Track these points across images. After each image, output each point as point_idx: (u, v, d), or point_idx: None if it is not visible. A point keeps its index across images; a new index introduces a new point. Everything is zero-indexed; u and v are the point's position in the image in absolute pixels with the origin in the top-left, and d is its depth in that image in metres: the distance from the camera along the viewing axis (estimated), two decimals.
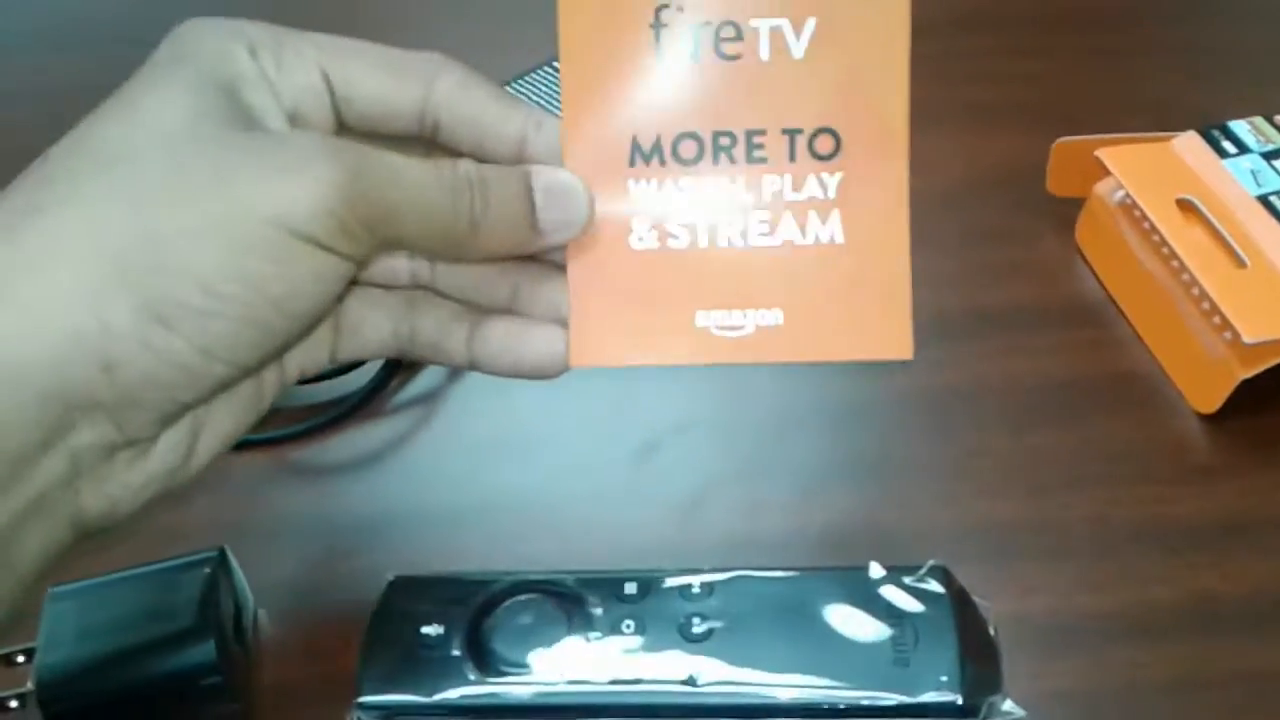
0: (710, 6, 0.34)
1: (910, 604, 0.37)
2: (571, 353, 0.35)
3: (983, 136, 0.57)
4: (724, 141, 0.34)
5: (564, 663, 0.36)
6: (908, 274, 0.34)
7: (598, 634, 0.37)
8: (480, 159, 0.33)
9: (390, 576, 0.39)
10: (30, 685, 0.35)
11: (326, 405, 0.47)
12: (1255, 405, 0.44)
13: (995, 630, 0.38)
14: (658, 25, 0.34)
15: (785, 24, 0.34)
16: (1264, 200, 0.47)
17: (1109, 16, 0.63)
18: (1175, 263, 0.46)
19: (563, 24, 0.34)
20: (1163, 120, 0.51)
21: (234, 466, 0.45)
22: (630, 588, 0.38)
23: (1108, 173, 0.49)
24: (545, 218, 0.32)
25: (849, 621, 0.37)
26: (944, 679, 0.35)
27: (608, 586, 0.38)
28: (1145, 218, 0.47)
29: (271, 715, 0.38)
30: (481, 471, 0.45)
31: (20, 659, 0.36)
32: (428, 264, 0.35)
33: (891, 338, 0.35)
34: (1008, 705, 0.35)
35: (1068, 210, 0.52)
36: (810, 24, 0.34)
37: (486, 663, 0.36)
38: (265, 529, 0.43)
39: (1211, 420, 0.44)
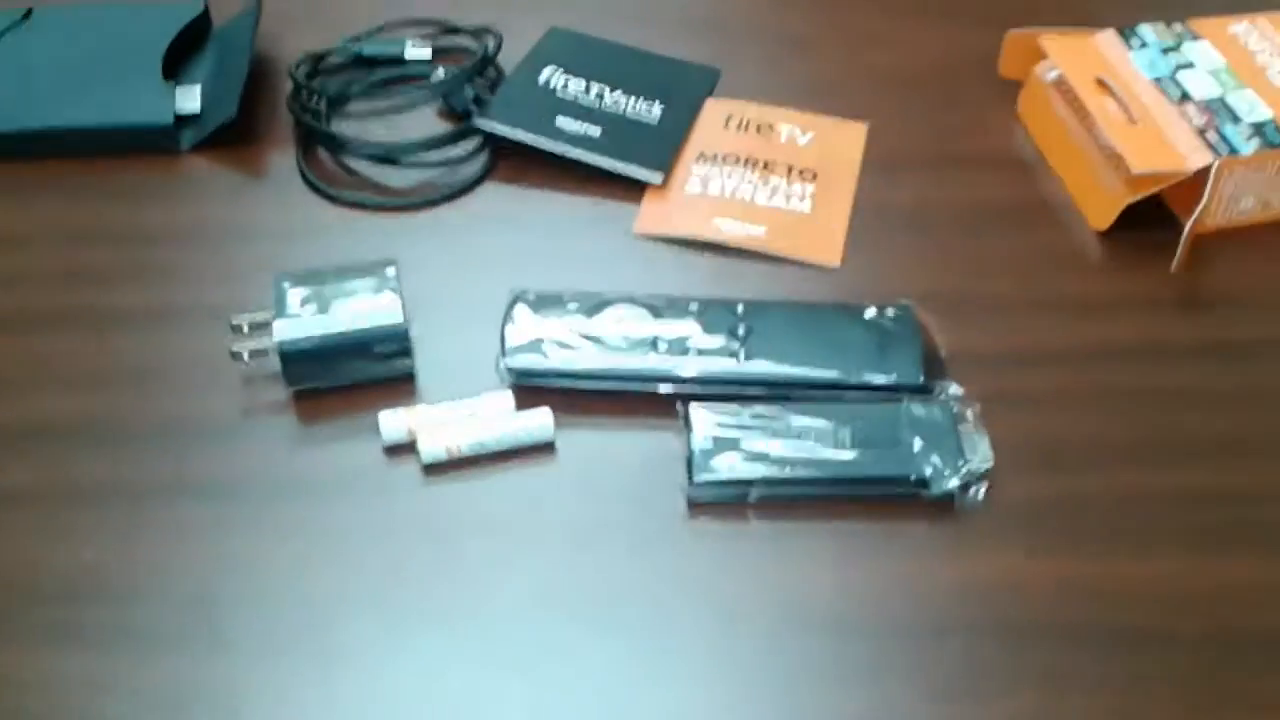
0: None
1: (889, 324, 0.54)
2: (638, 223, 0.61)
3: (952, 28, 0.73)
4: (750, 165, 0.65)
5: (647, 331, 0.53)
6: (844, 231, 0.62)
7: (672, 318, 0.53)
8: None
9: (516, 291, 0.55)
10: None
11: None
12: (1134, 223, 0.61)
13: (945, 351, 0.55)
14: None
15: (797, 129, 0.67)
16: (1156, 81, 0.63)
17: None
18: (1089, 121, 0.62)
19: None
20: (1094, 18, 0.67)
21: None
22: (696, 305, 0.54)
23: (1045, 57, 0.65)
24: None
25: (849, 333, 0.54)
26: (910, 367, 0.52)
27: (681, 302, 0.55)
28: (1070, 90, 0.63)
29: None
30: None
31: None
32: None
33: (828, 253, 0.60)
34: (953, 388, 0.52)
35: (1013, 90, 0.68)
36: (810, 133, 0.67)
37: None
38: None
39: (1104, 235, 0.61)
